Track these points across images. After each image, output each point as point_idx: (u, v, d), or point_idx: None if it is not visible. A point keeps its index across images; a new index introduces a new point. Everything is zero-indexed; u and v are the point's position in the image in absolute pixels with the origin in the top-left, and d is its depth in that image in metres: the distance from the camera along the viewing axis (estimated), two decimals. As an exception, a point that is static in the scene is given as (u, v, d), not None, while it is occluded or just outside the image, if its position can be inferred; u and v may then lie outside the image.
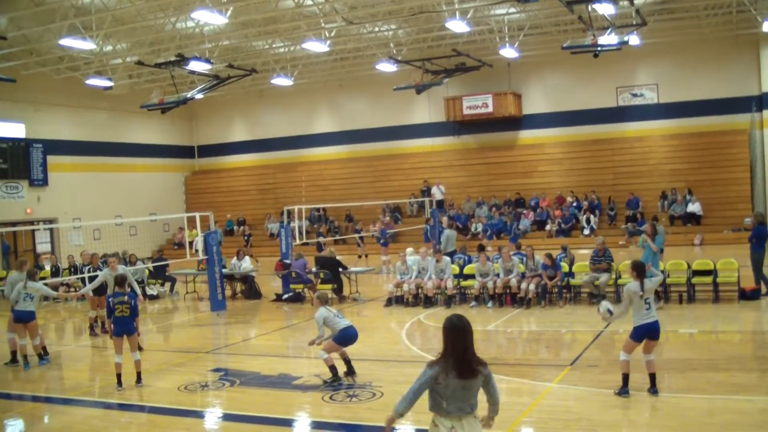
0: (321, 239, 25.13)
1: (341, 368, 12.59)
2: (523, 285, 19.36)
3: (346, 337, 12.58)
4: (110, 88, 37.75)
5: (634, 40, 30.31)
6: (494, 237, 32.80)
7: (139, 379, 13.07)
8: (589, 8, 26.86)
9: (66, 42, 29.13)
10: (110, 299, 13.18)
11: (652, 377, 10.71)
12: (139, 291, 17.65)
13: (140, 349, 13.88)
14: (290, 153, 45.98)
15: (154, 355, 15.82)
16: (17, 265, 16.76)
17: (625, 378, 10.69)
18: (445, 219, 30.44)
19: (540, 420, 10.06)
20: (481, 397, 6.44)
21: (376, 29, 33.45)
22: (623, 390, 10.65)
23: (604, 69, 36.01)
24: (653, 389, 10.63)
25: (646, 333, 10.70)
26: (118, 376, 12.93)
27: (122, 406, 12.00)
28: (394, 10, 30.20)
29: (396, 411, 6.37)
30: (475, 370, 6.24)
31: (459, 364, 6.17)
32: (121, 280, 13.56)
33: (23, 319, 15.13)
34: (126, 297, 13.10)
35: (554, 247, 25.25)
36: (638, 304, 10.72)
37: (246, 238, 30.57)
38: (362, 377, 12.53)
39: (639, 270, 10.90)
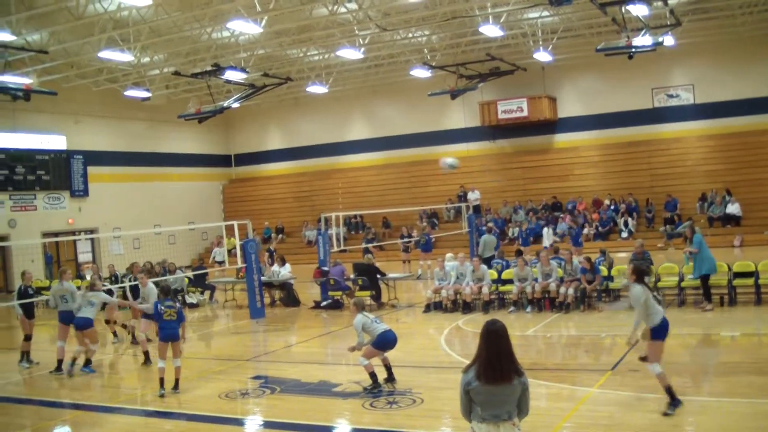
0: (369, 256, 25.29)
1: (381, 375, 12.60)
2: (562, 289, 19.27)
3: (385, 341, 12.53)
4: (148, 98, 38.16)
5: (668, 40, 30.06)
6: (529, 242, 32.52)
7: (176, 386, 13.20)
8: (623, 10, 26.69)
9: (105, 54, 29.52)
10: (158, 304, 13.42)
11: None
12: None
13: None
14: (326, 160, 46.14)
15: (194, 362, 15.93)
16: (59, 275, 17.00)
17: (669, 389, 10.07)
18: (490, 225, 30.48)
19: (581, 426, 9.98)
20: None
21: (410, 35, 33.53)
22: (674, 402, 10.01)
23: (639, 70, 35.66)
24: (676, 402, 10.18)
25: (667, 329, 10.42)
26: (161, 380, 13.09)
27: (163, 414, 12.10)
28: (427, 16, 30.24)
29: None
30: (509, 376, 6.11)
31: (489, 369, 6.08)
32: (167, 290, 13.86)
33: (81, 326, 15.41)
34: (172, 302, 13.47)
35: (592, 251, 25.12)
36: (651, 305, 10.38)
37: (270, 252, 30.64)
38: (402, 384, 12.54)
39: (639, 273, 10.70)
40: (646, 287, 10.53)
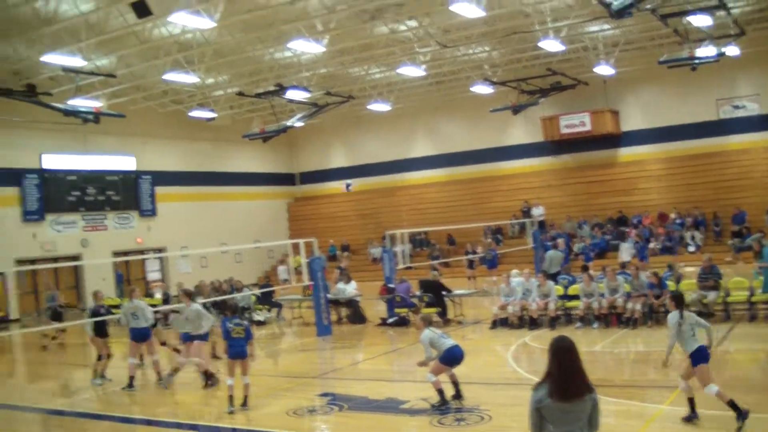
0: (435, 273, 25.32)
1: (449, 392, 12.61)
2: (629, 305, 19.10)
3: (452, 356, 12.51)
4: (213, 119, 38.78)
5: (732, 50, 29.67)
6: (593, 258, 31.97)
7: (245, 403, 13.35)
8: (685, 21, 26.45)
9: (170, 76, 30.09)
10: (226, 322, 13.53)
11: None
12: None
13: None
14: (389, 177, 46.32)
15: (262, 380, 16.06)
16: (129, 293, 17.35)
17: (732, 404, 10.22)
18: (561, 241, 30.31)
19: (651, 443, 9.88)
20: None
21: (471, 51, 33.54)
22: (741, 414, 10.09)
23: (703, 81, 35.14)
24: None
25: (701, 358, 10.64)
26: (230, 397, 13.25)
27: (231, 431, 12.27)
28: (487, 32, 30.25)
29: None
30: (581, 392, 6.04)
31: (562, 386, 6.00)
32: (234, 308, 14.14)
33: (189, 339, 15.87)
34: (239, 320, 13.63)
35: (659, 266, 24.81)
36: (684, 333, 10.76)
37: (341, 270, 30.56)
38: (470, 401, 12.54)
39: (677, 300, 11.11)
40: (681, 315, 10.79)
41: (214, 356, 18.71)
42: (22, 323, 32.74)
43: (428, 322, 12.93)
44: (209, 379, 15.74)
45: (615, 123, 39.32)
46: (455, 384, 12.75)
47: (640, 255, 28.38)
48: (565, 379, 6.02)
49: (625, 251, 30.41)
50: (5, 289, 32.98)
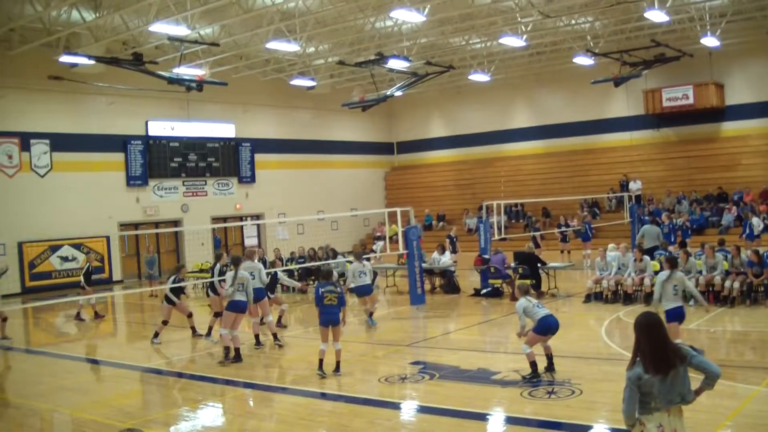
0: (530, 245, 25.26)
1: (542, 364, 12.60)
2: (727, 283, 18.67)
3: (547, 326, 12.48)
4: (313, 87, 39.15)
5: None
6: (690, 234, 31.02)
7: (337, 368, 13.51)
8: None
9: (272, 45, 30.43)
10: (320, 288, 13.61)
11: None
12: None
13: None
14: (487, 148, 46.08)
15: (355, 346, 16.28)
16: (248, 255, 17.85)
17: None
18: (666, 215, 29.77)
19: (746, 425, 9.68)
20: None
21: (573, 22, 33.04)
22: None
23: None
24: None
25: (675, 315, 12.59)
26: (320, 362, 13.43)
27: (324, 395, 12.48)
28: (590, 2, 29.77)
29: (627, 425, 6.32)
30: (674, 363, 6.16)
31: (657, 360, 6.12)
32: (327, 274, 13.99)
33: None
34: (333, 287, 13.57)
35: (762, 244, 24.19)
36: (668, 291, 12.74)
37: (450, 238, 30.16)
38: (561, 374, 12.49)
39: (671, 262, 13.24)
40: (670, 275, 12.78)
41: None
42: (125, 285, 33.76)
43: (524, 292, 12.88)
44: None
45: (719, 96, 38.24)
46: (549, 357, 12.75)
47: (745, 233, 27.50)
48: (658, 353, 6.13)
49: (757, 226, 29.04)
50: (108, 252, 34.02)
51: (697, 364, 6.31)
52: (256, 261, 17.71)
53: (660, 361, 6.12)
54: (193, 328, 18.99)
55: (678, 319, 12.59)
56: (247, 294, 15.37)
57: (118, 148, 35.49)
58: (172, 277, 18.56)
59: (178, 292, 18.78)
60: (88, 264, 23.49)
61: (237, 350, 15.34)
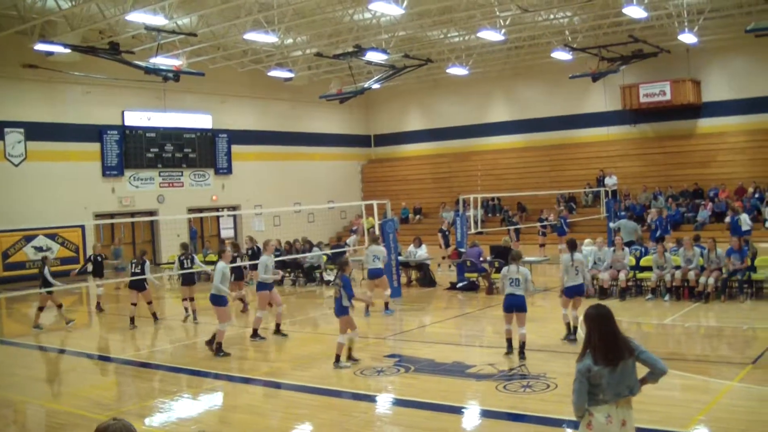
0: (506, 239, 25.32)
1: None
2: (702, 279, 18.78)
3: (506, 303, 13.62)
4: (291, 79, 39.05)
5: (825, 19, 28.76)
6: (670, 230, 31.13)
7: (349, 356, 13.77)
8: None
9: (250, 36, 30.34)
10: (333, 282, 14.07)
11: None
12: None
13: None
14: (465, 142, 46.14)
15: (331, 338, 16.27)
16: (263, 247, 18.19)
17: (568, 326, 14.95)
18: (654, 211, 30.01)
19: (720, 419, 9.73)
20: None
21: (551, 17, 33.10)
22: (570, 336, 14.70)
23: (792, 52, 34.14)
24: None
25: (575, 292, 14.68)
26: (337, 356, 13.63)
27: (300, 388, 12.45)
28: (569, -3, 29.86)
29: (577, 417, 6.38)
30: (623, 355, 6.22)
31: (607, 351, 6.19)
32: (341, 265, 14.18)
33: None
34: (338, 279, 13.77)
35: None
36: (569, 271, 14.65)
37: (442, 232, 30.09)
38: (536, 368, 12.54)
39: (570, 245, 15.21)
40: (572, 257, 14.72)
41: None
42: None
43: (513, 258, 13.96)
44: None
45: (696, 93, 38.44)
46: (521, 344, 13.39)
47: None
48: (607, 344, 6.22)
49: (745, 223, 28.70)
50: (83, 242, 33.78)
51: (645, 359, 6.36)
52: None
53: (610, 353, 6.18)
54: (154, 314, 19.90)
55: (578, 294, 14.81)
56: None
57: (94, 137, 35.26)
58: (135, 264, 19.64)
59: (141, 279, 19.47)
60: (97, 254, 23.10)
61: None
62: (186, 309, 20.24)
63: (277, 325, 17.04)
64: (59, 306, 19.93)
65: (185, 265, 20.41)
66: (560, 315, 15.02)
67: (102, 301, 23.16)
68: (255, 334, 16.70)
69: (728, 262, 18.74)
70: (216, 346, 15.14)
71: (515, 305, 13.46)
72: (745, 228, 26.05)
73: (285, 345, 15.92)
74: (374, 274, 19.62)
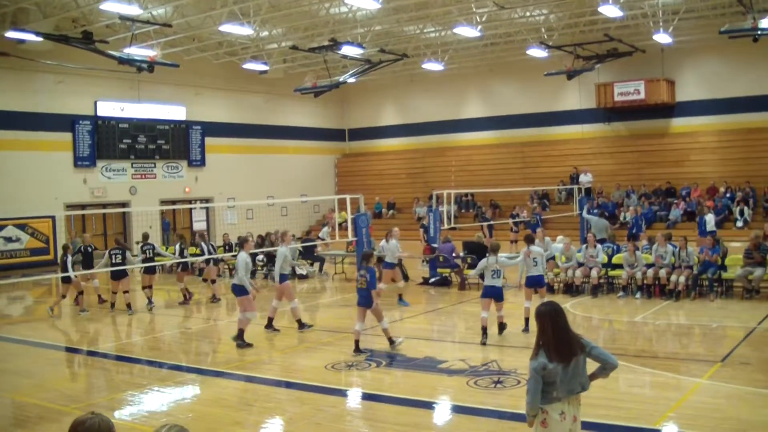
0: (479, 234, 25.43)
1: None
2: (673, 277, 18.92)
3: (486, 293, 14.75)
4: (266, 72, 38.88)
5: (797, 22, 28.94)
6: (644, 228, 31.31)
7: (391, 342, 14.27)
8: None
9: (225, 28, 30.20)
10: (357, 272, 14.59)
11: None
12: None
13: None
14: (440, 137, 46.14)
15: (302, 333, 16.29)
16: (280, 238, 18.89)
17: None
18: (632, 209, 30.24)
19: (688, 416, 9.80)
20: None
21: (528, 14, 33.17)
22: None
23: (764, 54, 34.04)
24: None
25: (534, 282, 15.77)
26: (356, 342, 14.11)
27: (271, 382, 12.43)
28: (546, -5, 29.92)
29: (529, 415, 6.44)
30: (576, 351, 6.28)
31: (561, 347, 6.24)
32: (366, 256, 14.59)
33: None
34: (364, 271, 14.12)
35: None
36: (529, 263, 15.65)
37: (424, 228, 30.06)
38: (508, 364, 12.60)
39: (528, 239, 16.47)
40: (529, 248, 15.87)
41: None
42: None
43: (492, 250, 15.04)
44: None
45: (670, 93, 38.64)
46: (500, 325, 15.08)
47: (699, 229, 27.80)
48: (561, 340, 6.29)
49: (710, 223, 28.73)
50: (54, 233, 33.47)
51: (597, 354, 6.42)
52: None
53: (564, 349, 6.24)
54: (128, 305, 20.30)
55: (536, 285, 15.76)
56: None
57: (66, 128, 34.95)
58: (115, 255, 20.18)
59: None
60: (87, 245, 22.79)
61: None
62: (149, 298, 20.84)
63: (270, 320, 16.94)
64: (80, 293, 20.71)
65: (147, 254, 21.05)
66: (532, 311, 15.05)
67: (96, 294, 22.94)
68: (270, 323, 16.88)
69: (703, 256, 18.87)
70: (237, 334, 15.24)
71: (494, 295, 14.64)
72: (709, 228, 26.36)
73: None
74: (386, 266, 20.36)
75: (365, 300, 14.06)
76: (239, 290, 15.32)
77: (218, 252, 26.20)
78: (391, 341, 14.26)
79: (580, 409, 6.41)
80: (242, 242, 16.01)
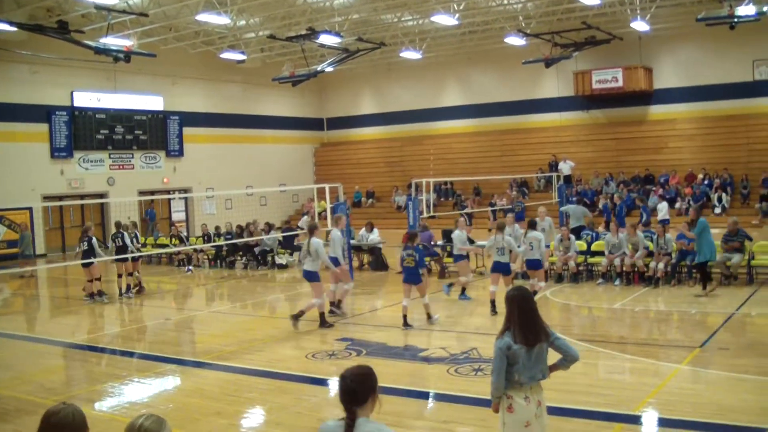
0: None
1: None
2: (652, 264, 19.01)
3: (493, 268, 16.05)
4: (243, 61, 38.74)
5: (772, 10, 29.10)
6: (624, 215, 31.40)
7: (429, 318, 15.50)
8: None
9: (202, 17, 30.05)
10: (403, 251, 15.44)
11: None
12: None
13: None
14: (418, 126, 46.13)
15: (282, 322, 16.27)
16: (334, 222, 19.00)
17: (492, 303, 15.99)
18: (617, 196, 30.30)
19: (667, 402, 9.82)
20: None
21: (505, 2, 33.22)
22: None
23: (741, 41, 34.21)
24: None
25: (498, 269, 15.97)
26: (404, 317, 15.13)
27: (251, 371, 12.40)
28: (524, -17, 29.92)
29: (494, 397, 6.46)
30: (540, 338, 6.33)
31: (526, 331, 6.28)
32: (412, 236, 15.59)
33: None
34: (412, 250, 15.24)
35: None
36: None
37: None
38: (488, 351, 12.53)
39: (530, 224, 17.30)
40: (525, 234, 17.03)
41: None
42: (48, 259, 33.09)
43: (498, 228, 16.19)
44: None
45: (648, 80, 38.77)
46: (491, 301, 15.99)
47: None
48: (527, 324, 6.34)
49: (664, 210, 29.44)
50: (31, 225, 33.23)
51: (560, 345, 6.47)
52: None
53: (530, 333, 6.29)
54: (100, 291, 20.51)
55: (502, 271, 15.97)
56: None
57: (42, 118, 34.69)
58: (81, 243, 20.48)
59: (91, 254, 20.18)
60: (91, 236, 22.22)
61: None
62: (119, 287, 21.32)
63: (333, 303, 17.11)
64: (130, 274, 21.49)
65: (117, 243, 21.28)
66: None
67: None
68: (338, 305, 17.12)
69: (682, 244, 18.96)
70: (320, 319, 15.64)
71: (501, 270, 15.90)
72: (661, 217, 26.81)
73: (232, 328, 15.79)
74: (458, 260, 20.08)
75: (413, 277, 15.25)
76: (310, 276, 15.69)
77: (193, 242, 26.18)
78: (429, 317, 15.42)
79: (543, 394, 6.46)
80: (312, 228, 16.13)
